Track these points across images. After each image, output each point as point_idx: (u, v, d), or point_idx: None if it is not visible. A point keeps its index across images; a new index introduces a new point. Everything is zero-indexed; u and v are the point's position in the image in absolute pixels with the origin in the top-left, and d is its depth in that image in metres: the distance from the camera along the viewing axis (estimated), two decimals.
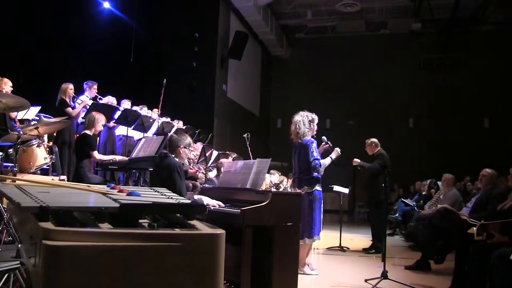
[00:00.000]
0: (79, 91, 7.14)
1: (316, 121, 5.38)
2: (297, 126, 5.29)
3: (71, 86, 6.82)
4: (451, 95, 16.27)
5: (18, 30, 8.01)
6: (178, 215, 1.71)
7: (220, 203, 4.00)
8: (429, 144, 16.21)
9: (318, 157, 5.17)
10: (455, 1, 13.58)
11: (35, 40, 8.27)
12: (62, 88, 6.77)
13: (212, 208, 3.87)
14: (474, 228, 3.96)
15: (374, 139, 7.58)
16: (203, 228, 1.61)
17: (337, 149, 5.40)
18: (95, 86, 7.36)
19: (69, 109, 6.68)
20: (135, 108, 7.97)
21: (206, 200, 3.98)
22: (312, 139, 5.25)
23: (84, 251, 1.37)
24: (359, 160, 7.44)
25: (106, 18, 10.52)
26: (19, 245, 3.41)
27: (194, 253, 1.51)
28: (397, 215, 9.93)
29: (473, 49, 15.94)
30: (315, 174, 5.15)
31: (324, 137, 5.47)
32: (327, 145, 5.48)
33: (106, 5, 10.50)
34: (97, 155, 5.41)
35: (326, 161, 5.25)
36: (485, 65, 15.78)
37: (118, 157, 5.87)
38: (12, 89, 5.73)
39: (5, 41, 7.79)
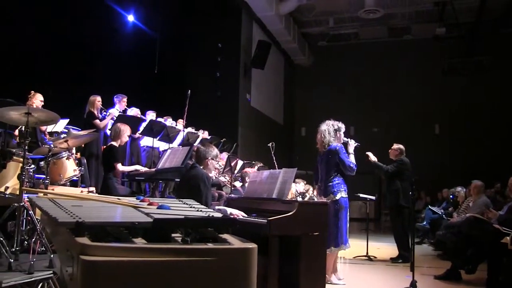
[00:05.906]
0: (105, 103, 7.29)
1: (343, 129, 5.34)
2: (323, 135, 5.29)
3: (98, 98, 7.00)
4: (476, 99, 16.01)
5: (46, 45, 8.23)
6: (209, 228, 1.74)
7: (242, 213, 4.02)
8: (456, 150, 15.91)
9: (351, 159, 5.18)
10: (480, 3, 13.36)
11: (62, 54, 8.48)
12: (90, 100, 6.94)
13: (239, 218, 3.90)
14: (508, 238, 3.86)
15: (400, 146, 7.39)
16: (235, 242, 1.62)
17: (348, 140, 5.35)
18: (125, 99, 7.56)
19: (97, 121, 6.84)
20: (159, 119, 8.09)
21: (229, 210, 4.00)
22: (340, 145, 5.25)
23: (120, 266, 1.41)
24: (374, 158, 7.24)
25: (131, 31, 10.74)
26: (52, 255, 3.52)
27: (227, 267, 1.53)
28: (424, 223, 9.77)
29: (499, 52, 15.57)
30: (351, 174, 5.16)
31: (344, 138, 5.37)
32: (354, 143, 5.39)
33: (131, 18, 10.73)
34: (120, 167, 5.49)
35: (352, 159, 5.22)
36: (511, 68, 15.44)
37: (141, 168, 5.95)
38: (42, 103, 5.87)
39: (35, 56, 8.01)
